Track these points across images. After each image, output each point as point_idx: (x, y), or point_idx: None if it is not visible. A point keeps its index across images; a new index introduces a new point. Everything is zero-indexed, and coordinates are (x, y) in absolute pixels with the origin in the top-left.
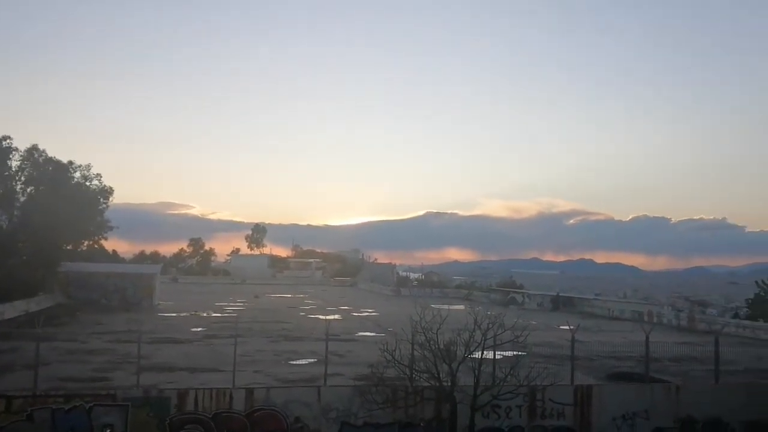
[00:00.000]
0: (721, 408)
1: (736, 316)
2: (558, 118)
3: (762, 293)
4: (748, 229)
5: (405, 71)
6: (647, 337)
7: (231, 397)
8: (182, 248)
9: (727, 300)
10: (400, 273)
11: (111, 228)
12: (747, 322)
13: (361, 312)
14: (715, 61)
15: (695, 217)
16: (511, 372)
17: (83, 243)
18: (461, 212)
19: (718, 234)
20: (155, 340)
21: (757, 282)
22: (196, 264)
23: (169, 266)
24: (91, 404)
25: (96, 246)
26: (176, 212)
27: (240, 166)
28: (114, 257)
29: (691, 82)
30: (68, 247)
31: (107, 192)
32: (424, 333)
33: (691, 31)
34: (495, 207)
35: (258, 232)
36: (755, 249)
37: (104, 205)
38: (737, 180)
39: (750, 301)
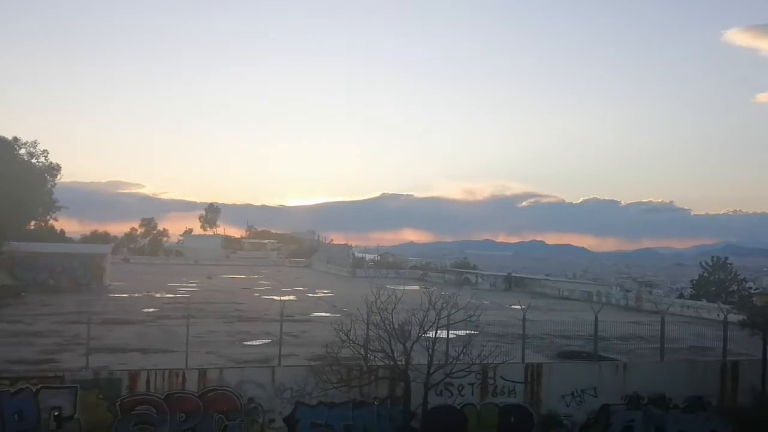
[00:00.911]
0: (666, 384)
1: (681, 296)
2: (511, 102)
3: (705, 274)
4: (693, 212)
5: (360, 52)
6: (596, 317)
7: (184, 378)
8: (134, 228)
9: (673, 281)
10: (356, 254)
11: (59, 208)
12: (691, 302)
13: (317, 293)
14: (663, 47)
15: (644, 200)
16: (464, 350)
17: (30, 223)
18: (417, 194)
19: (665, 217)
20: (106, 321)
21: (701, 263)
22: (148, 244)
23: (121, 246)
24: (38, 387)
25: (43, 225)
26: (127, 191)
27: (193, 145)
28: (61, 237)
29: (640, 69)
30: (14, 227)
31: (54, 170)
32: (379, 313)
33: (640, 14)
34: (450, 189)
35: (211, 212)
36: (700, 231)
37: (52, 184)
38: (684, 164)
39: (694, 281)
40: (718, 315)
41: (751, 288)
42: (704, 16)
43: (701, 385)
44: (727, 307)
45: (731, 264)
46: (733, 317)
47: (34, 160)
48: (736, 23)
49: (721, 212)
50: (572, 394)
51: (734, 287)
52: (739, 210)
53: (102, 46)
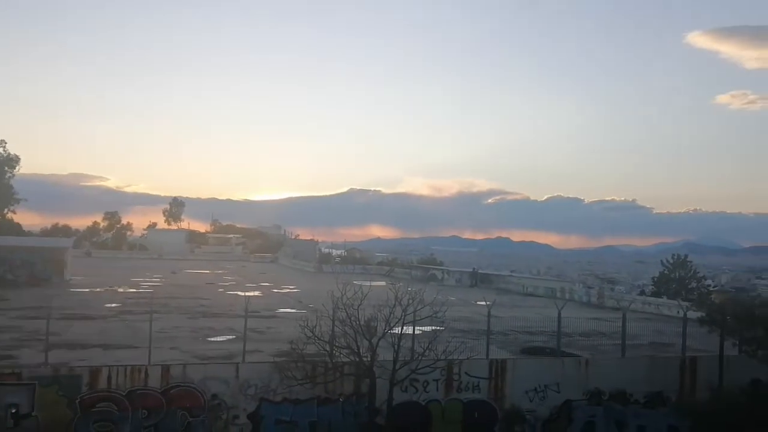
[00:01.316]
0: (626, 380)
1: (642, 293)
2: (479, 101)
3: (666, 271)
4: (655, 211)
5: (329, 49)
6: (559, 313)
7: (146, 374)
8: (96, 221)
9: (635, 278)
10: (323, 249)
11: (18, 200)
12: (652, 299)
13: (282, 288)
14: (627, 48)
15: (607, 198)
16: (430, 347)
17: None
18: (384, 189)
19: (627, 214)
20: (66, 317)
21: (662, 261)
22: (111, 238)
23: (83, 240)
24: None
25: (2, 218)
26: (90, 184)
27: (158, 138)
28: (19, 230)
29: (604, 70)
30: None
31: (13, 161)
32: (345, 309)
33: (605, 15)
34: (417, 185)
35: (176, 206)
36: (661, 229)
37: (10, 175)
38: (647, 164)
39: (655, 279)
40: (678, 312)
41: (709, 285)
42: (668, 18)
43: (661, 380)
44: (687, 304)
45: (691, 262)
46: (693, 314)
47: None
48: (699, 26)
49: (682, 211)
50: (535, 389)
51: (694, 284)
52: (699, 209)
53: (65, 38)
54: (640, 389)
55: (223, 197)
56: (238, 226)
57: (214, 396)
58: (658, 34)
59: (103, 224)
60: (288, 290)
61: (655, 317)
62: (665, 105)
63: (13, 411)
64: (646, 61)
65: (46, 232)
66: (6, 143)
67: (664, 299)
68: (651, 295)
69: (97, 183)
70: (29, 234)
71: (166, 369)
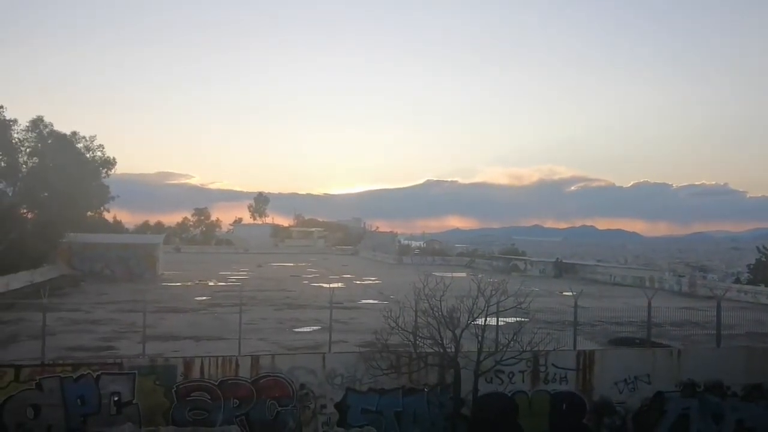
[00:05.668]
0: (722, 372)
1: (737, 281)
2: (557, 85)
3: (763, 258)
4: (749, 195)
5: (403, 41)
6: (649, 303)
7: (237, 365)
8: (186, 217)
9: (729, 265)
10: (402, 241)
11: (113, 198)
12: (748, 287)
13: (364, 280)
14: (716, 24)
15: (696, 183)
16: (514, 338)
17: (86, 214)
18: (461, 180)
19: (719, 200)
20: (159, 310)
21: (758, 247)
22: (200, 234)
23: (172, 236)
24: (99, 373)
25: (98, 216)
26: (176, 182)
27: (238, 136)
28: (116, 228)
29: (691, 45)
30: (71, 218)
31: (110, 163)
32: (427, 300)
33: None
34: (495, 174)
35: (260, 202)
36: (756, 214)
37: (106, 176)
38: (739, 145)
39: (751, 266)
40: None
41: None
42: None
43: (761, 372)
44: None
45: None
46: None
47: (90, 154)
48: None
49: None
50: (625, 380)
51: None
52: None
53: (152, 43)
54: (737, 381)
55: (303, 192)
56: (319, 219)
57: (302, 386)
58: (749, 10)
59: (192, 220)
60: (369, 282)
61: (753, 306)
62: (757, 82)
63: (116, 399)
64: (736, 35)
65: (140, 229)
66: (104, 147)
67: (762, 287)
68: (747, 283)
69: (183, 181)
70: (125, 231)
71: (255, 359)
